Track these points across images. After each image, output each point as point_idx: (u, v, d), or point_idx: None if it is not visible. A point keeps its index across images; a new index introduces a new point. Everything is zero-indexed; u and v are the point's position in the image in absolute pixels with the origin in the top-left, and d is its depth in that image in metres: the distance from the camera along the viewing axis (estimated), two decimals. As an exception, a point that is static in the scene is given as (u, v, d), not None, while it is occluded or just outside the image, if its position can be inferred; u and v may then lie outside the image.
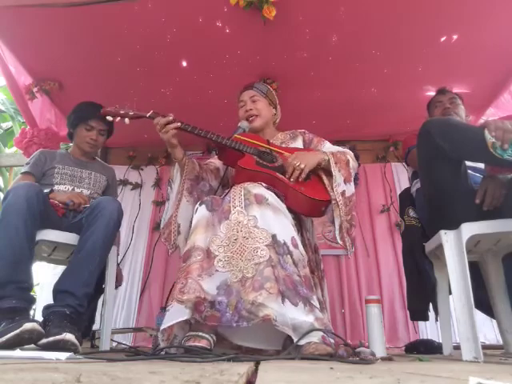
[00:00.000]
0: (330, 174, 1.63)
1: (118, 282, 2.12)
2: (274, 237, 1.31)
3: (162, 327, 1.24)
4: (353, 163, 1.68)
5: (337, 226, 1.58)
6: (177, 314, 1.21)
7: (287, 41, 2.39)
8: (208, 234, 1.34)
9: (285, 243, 1.33)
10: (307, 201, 1.56)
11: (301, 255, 1.36)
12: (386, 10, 2.16)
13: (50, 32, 2.32)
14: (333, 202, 1.58)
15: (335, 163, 1.62)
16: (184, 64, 2.63)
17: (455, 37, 2.35)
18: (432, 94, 2.21)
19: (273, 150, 1.69)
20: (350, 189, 1.63)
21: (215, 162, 1.84)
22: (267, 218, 1.34)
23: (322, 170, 1.65)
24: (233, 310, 1.18)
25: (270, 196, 1.40)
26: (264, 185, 1.45)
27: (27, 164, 1.98)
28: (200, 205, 1.43)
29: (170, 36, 2.37)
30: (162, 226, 1.71)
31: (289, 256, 1.32)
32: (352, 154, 1.74)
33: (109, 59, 2.53)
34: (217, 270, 1.25)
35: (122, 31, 2.31)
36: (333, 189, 1.59)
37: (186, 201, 1.65)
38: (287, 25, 2.23)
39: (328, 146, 1.79)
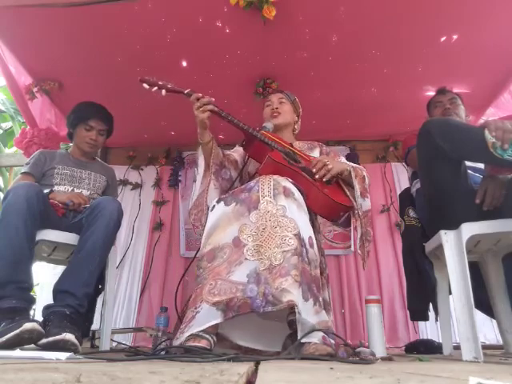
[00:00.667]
0: (349, 186, 1.70)
1: None
2: (299, 230, 1.34)
3: (194, 330, 1.21)
4: (368, 180, 1.74)
5: (358, 235, 1.66)
6: (209, 316, 1.21)
7: (287, 41, 2.39)
8: (231, 228, 1.35)
9: (303, 240, 1.34)
10: (329, 202, 1.59)
11: (314, 255, 1.37)
12: (386, 10, 2.16)
13: (50, 32, 2.32)
14: (355, 211, 1.65)
15: (355, 176, 1.69)
16: (184, 64, 2.63)
17: (455, 37, 2.35)
18: (432, 93, 2.21)
19: (295, 153, 1.74)
20: (366, 204, 1.70)
21: (234, 154, 1.86)
22: (293, 211, 1.36)
23: (342, 181, 1.72)
24: (262, 296, 1.20)
25: (296, 192, 1.42)
26: (290, 180, 1.47)
27: (27, 164, 1.98)
28: (218, 202, 1.44)
29: (170, 36, 2.37)
30: (190, 206, 1.71)
31: (306, 253, 1.33)
32: (365, 171, 1.80)
33: (109, 59, 2.53)
34: (246, 259, 1.27)
35: (121, 31, 2.31)
36: (354, 199, 1.65)
37: (213, 184, 1.67)
38: (287, 25, 2.23)
39: (343, 161, 1.83)
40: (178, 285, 1.85)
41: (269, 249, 1.27)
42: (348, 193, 1.68)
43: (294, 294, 1.18)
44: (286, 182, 1.43)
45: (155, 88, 1.65)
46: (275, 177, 1.44)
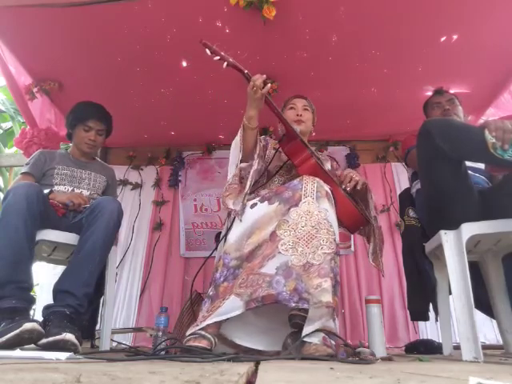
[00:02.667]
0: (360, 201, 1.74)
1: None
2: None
3: (214, 319, 1.24)
4: (374, 199, 1.78)
5: (371, 250, 1.71)
6: (231, 306, 1.24)
7: (287, 41, 2.39)
8: (273, 225, 1.36)
9: None
10: (355, 214, 1.60)
11: (338, 263, 1.38)
12: (386, 10, 2.16)
13: (50, 32, 2.32)
14: (372, 225, 1.69)
15: (369, 190, 1.74)
16: (184, 64, 2.63)
17: (455, 37, 2.35)
18: (431, 93, 2.20)
19: (321, 161, 1.76)
20: (377, 221, 1.74)
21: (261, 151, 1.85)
22: (333, 216, 1.38)
23: (356, 196, 1.74)
24: (291, 291, 1.22)
25: (333, 199, 1.44)
26: (329, 187, 1.48)
27: (27, 164, 1.98)
28: (262, 201, 1.44)
29: (170, 36, 2.37)
30: (223, 191, 1.57)
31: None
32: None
33: (109, 59, 2.53)
34: (279, 253, 1.29)
35: (122, 31, 2.31)
36: (370, 213, 1.69)
37: (254, 168, 1.58)
38: (287, 25, 2.23)
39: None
40: (197, 272, 1.80)
41: (306, 247, 1.29)
42: (363, 208, 1.72)
43: (331, 295, 1.21)
44: (327, 188, 1.45)
45: (217, 57, 1.63)
46: (318, 179, 1.45)
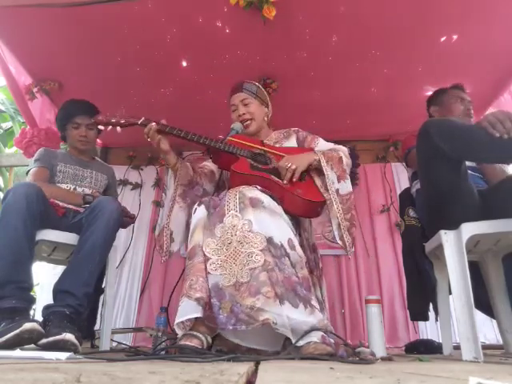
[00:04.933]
0: (322, 174, 1.61)
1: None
2: (270, 240, 1.32)
3: (176, 321, 1.25)
4: (346, 160, 1.66)
5: (334, 226, 1.56)
6: (190, 309, 1.23)
7: (287, 41, 2.39)
8: (204, 237, 1.36)
9: (282, 245, 1.33)
10: (303, 203, 1.55)
11: (298, 257, 1.36)
12: (386, 10, 2.16)
13: (49, 32, 2.32)
14: (327, 201, 1.57)
15: (327, 162, 1.61)
16: (184, 64, 2.63)
17: (455, 37, 2.35)
18: (430, 93, 2.18)
19: (267, 152, 1.68)
20: (346, 187, 1.61)
21: (209, 165, 1.82)
22: (263, 221, 1.34)
23: (314, 171, 1.64)
24: (228, 313, 1.20)
25: (266, 199, 1.40)
26: (259, 188, 1.44)
27: (36, 160, 1.96)
28: (199, 205, 1.44)
29: (170, 36, 2.37)
30: (156, 233, 1.68)
31: (286, 258, 1.32)
32: (346, 150, 1.72)
33: (109, 59, 2.53)
34: (209, 273, 1.28)
35: (121, 31, 2.31)
36: (327, 188, 1.57)
37: (178, 207, 1.64)
38: (287, 25, 2.23)
39: (322, 143, 1.78)
40: (175, 286, 1.84)
41: (234, 265, 1.26)
42: (319, 184, 1.60)
43: (269, 311, 1.18)
44: (254, 192, 1.40)
45: (110, 127, 1.62)
46: (241, 189, 1.41)
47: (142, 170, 3.65)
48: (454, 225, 1.29)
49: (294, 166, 1.56)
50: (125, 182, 3.57)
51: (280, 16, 2.05)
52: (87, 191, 2.01)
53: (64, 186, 1.97)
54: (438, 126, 1.37)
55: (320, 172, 1.63)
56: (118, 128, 1.62)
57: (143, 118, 1.61)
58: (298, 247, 1.39)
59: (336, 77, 2.70)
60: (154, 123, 1.57)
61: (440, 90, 2.06)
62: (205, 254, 1.31)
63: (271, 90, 2.71)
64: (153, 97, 2.89)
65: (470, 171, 1.42)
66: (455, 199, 1.36)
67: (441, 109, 2.02)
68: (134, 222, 2.23)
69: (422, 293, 1.87)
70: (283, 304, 1.20)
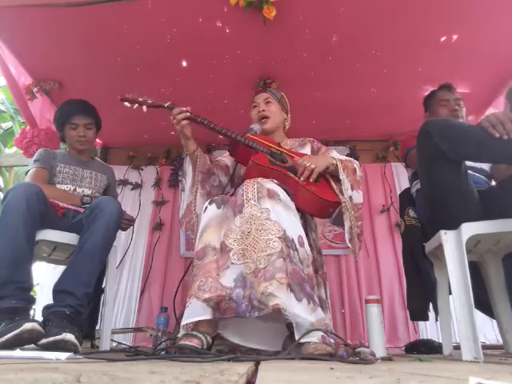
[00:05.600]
0: (337, 180, 1.68)
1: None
2: (284, 231, 1.33)
3: (183, 322, 1.24)
4: (359, 172, 1.73)
5: (347, 229, 1.62)
6: (199, 311, 1.23)
7: (287, 41, 2.39)
8: (221, 231, 1.36)
9: (293, 240, 1.34)
10: (317, 200, 1.59)
11: (306, 254, 1.37)
12: (386, 10, 2.16)
13: (50, 32, 2.32)
14: (342, 204, 1.62)
15: (343, 169, 1.68)
16: (184, 64, 2.63)
17: (455, 37, 2.35)
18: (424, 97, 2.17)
19: (283, 152, 1.73)
20: (358, 196, 1.68)
21: (225, 159, 1.87)
22: (278, 213, 1.36)
23: (329, 175, 1.70)
24: (247, 301, 1.20)
25: (282, 193, 1.42)
26: (275, 181, 1.47)
27: (36, 161, 1.96)
28: (210, 203, 1.45)
29: (170, 36, 2.37)
30: (180, 215, 1.74)
31: (296, 253, 1.33)
32: (358, 163, 1.78)
33: (109, 59, 2.53)
34: (232, 263, 1.28)
35: (121, 31, 2.31)
36: (342, 192, 1.64)
37: (199, 193, 1.69)
38: (287, 25, 2.23)
39: (335, 155, 1.83)
40: (178, 286, 1.85)
41: (253, 252, 1.27)
42: (335, 187, 1.67)
43: (280, 297, 1.18)
44: (271, 184, 1.43)
45: (136, 105, 1.67)
46: (259, 180, 1.44)
47: (142, 170, 3.65)
48: (454, 225, 1.29)
49: (313, 166, 1.61)
50: (125, 182, 3.57)
51: (280, 16, 2.05)
52: (87, 191, 2.01)
53: (64, 186, 1.97)
54: (437, 126, 1.37)
55: (335, 178, 1.69)
56: (144, 107, 1.66)
57: (169, 102, 1.66)
58: (306, 245, 1.40)
59: (336, 77, 2.70)
60: (186, 108, 1.63)
61: (428, 96, 2.09)
62: (226, 245, 1.31)
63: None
64: (153, 97, 2.88)
65: (470, 171, 1.42)
66: (455, 199, 1.36)
67: (430, 115, 2.05)
68: (133, 225, 2.23)
69: (421, 293, 1.87)
70: (292, 293, 1.21)
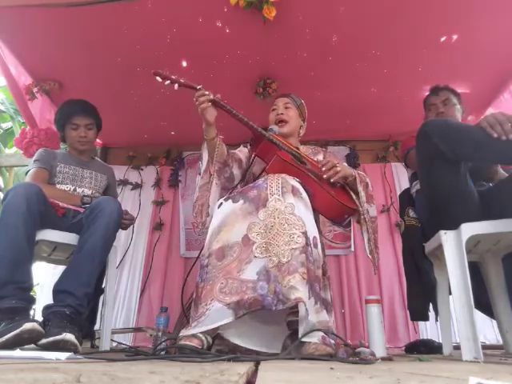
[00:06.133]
0: (353, 191, 1.72)
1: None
2: (306, 228, 1.34)
3: (203, 328, 1.23)
4: (370, 187, 1.77)
5: (366, 241, 1.67)
6: (219, 315, 1.22)
7: (287, 41, 2.39)
8: (241, 226, 1.34)
9: (309, 239, 1.35)
10: (336, 204, 1.60)
11: (318, 255, 1.37)
12: (386, 10, 2.16)
13: (50, 32, 2.32)
14: (361, 216, 1.66)
15: (360, 182, 1.72)
16: (184, 64, 2.63)
17: (455, 37, 2.35)
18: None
19: (302, 156, 1.76)
20: (372, 210, 1.73)
21: (239, 153, 1.86)
22: (300, 210, 1.37)
23: (346, 185, 1.74)
24: (272, 294, 1.20)
25: (303, 192, 1.43)
26: (298, 180, 1.47)
27: (36, 161, 1.96)
28: (226, 200, 1.44)
29: (170, 36, 2.37)
30: (194, 199, 1.70)
31: (312, 252, 1.33)
32: (368, 178, 1.82)
33: (109, 59, 2.53)
34: (255, 256, 1.28)
35: (121, 31, 2.31)
36: (360, 204, 1.67)
37: (215, 183, 1.67)
38: (287, 25, 2.23)
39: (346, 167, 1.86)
40: (184, 282, 1.83)
41: (277, 246, 1.27)
42: (354, 196, 1.70)
43: (301, 291, 1.18)
44: (294, 182, 1.44)
45: (168, 82, 1.64)
46: (283, 175, 1.44)
47: (142, 169, 3.65)
48: (453, 225, 1.29)
49: (339, 168, 1.65)
50: (125, 182, 3.57)
51: (280, 16, 2.05)
52: (87, 192, 2.01)
53: (64, 186, 1.97)
54: (436, 126, 1.37)
55: (350, 189, 1.74)
56: (176, 85, 1.65)
57: (201, 85, 1.64)
58: (319, 247, 1.41)
59: (336, 77, 2.70)
60: (217, 95, 1.63)
61: (423, 100, 2.11)
62: (250, 239, 1.31)
63: (271, 90, 2.71)
64: (153, 97, 2.88)
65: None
66: (455, 199, 1.36)
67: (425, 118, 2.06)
68: (133, 223, 2.23)
69: (421, 293, 1.87)
70: (307, 290, 1.22)
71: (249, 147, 1.86)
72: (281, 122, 1.88)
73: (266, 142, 1.66)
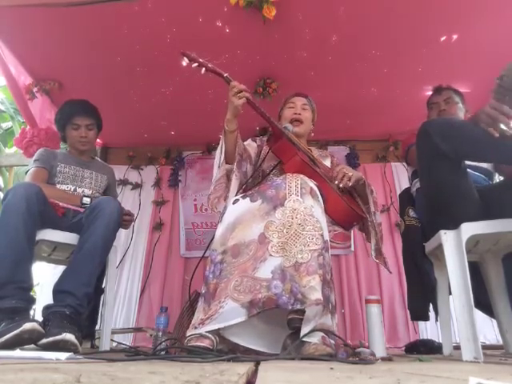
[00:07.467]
0: (359, 197, 1.76)
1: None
2: (323, 231, 1.35)
3: (216, 326, 1.22)
4: (375, 194, 1.79)
5: (373, 246, 1.69)
6: (233, 313, 1.22)
7: (287, 41, 2.39)
8: (258, 225, 1.34)
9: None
10: (347, 210, 1.61)
11: (329, 259, 1.38)
12: (386, 10, 2.16)
13: (50, 32, 2.32)
14: (369, 222, 1.68)
15: (367, 186, 1.74)
16: (184, 64, 2.63)
17: (455, 37, 2.35)
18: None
19: (315, 159, 1.77)
20: (378, 217, 1.75)
21: (250, 150, 1.84)
22: (318, 212, 1.37)
23: (354, 191, 1.76)
24: (288, 294, 1.21)
25: (320, 195, 1.44)
26: (315, 182, 1.48)
27: (36, 161, 1.96)
28: (244, 198, 1.43)
29: (170, 36, 2.36)
30: (210, 191, 1.66)
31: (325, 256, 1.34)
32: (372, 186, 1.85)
33: (109, 59, 2.53)
34: (271, 255, 1.28)
35: (121, 31, 2.31)
36: (368, 210, 1.69)
37: (235, 175, 1.64)
38: (287, 25, 2.23)
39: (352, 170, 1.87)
40: (197, 265, 1.78)
41: (294, 246, 1.27)
42: (361, 203, 1.72)
43: (320, 292, 1.19)
44: (312, 184, 1.44)
45: (195, 64, 1.63)
46: (302, 176, 1.45)
47: (141, 169, 3.65)
48: (453, 225, 1.29)
49: (350, 174, 1.65)
50: (125, 182, 3.58)
51: (280, 16, 2.05)
52: (87, 192, 2.01)
53: (64, 186, 1.97)
54: (437, 125, 1.37)
55: (357, 195, 1.77)
56: (203, 69, 1.63)
57: (228, 73, 1.63)
58: (329, 251, 1.40)
59: (336, 77, 2.70)
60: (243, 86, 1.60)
61: (426, 101, 2.12)
62: (266, 237, 1.30)
63: (271, 90, 2.71)
64: (153, 97, 2.88)
65: (469, 169, 1.42)
66: (455, 199, 1.36)
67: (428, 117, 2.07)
68: (133, 221, 2.23)
69: (421, 293, 1.87)
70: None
71: (258, 142, 1.86)
72: (297, 121, 1.88)
73: (285, 141, 1.66)
